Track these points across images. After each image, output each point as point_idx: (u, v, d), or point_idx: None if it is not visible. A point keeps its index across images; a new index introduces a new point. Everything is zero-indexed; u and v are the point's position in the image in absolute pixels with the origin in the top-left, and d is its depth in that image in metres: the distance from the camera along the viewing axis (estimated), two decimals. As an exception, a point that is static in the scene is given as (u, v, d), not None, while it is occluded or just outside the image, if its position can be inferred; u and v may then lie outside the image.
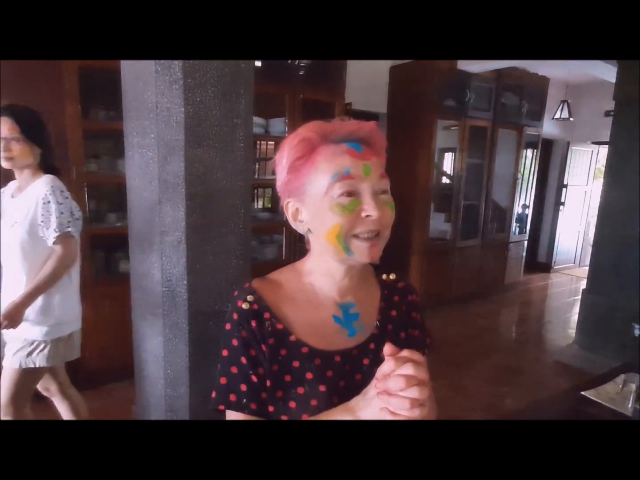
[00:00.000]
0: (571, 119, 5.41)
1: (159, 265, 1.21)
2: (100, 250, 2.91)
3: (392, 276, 0.87)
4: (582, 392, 1.50)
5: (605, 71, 4.06)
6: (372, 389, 0.61)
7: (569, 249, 6.87)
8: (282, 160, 0.72)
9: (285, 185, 0.73)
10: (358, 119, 0.73)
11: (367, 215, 0.68)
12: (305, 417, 0.69)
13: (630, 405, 1.41)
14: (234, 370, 0.72)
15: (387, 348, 0.61)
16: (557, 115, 5.43)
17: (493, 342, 3.97)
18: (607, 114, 5.80)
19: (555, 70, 5.05)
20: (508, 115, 4.88)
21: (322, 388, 0.71)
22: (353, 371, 0.74)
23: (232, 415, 0.72)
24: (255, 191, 4.11)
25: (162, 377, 1.26)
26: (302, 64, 3.49)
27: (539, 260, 6.79)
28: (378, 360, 0.74)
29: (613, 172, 3.31)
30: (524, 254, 5.66)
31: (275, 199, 3.97)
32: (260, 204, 4.17)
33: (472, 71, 4.34)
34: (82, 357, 2.78)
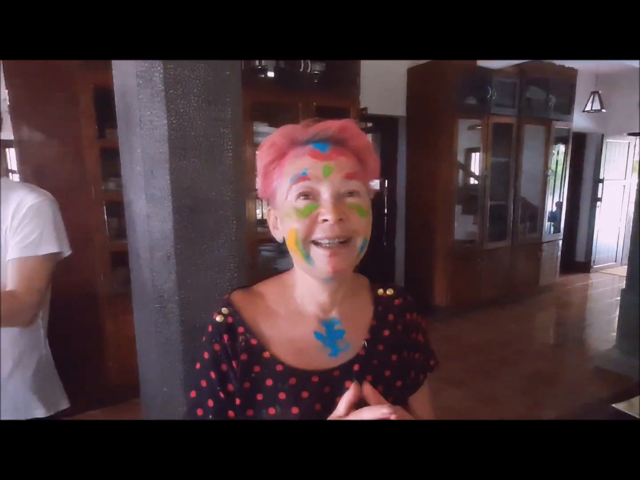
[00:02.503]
0: (603, 110, 5.14)
1: (150, 281, 1.19)
2: (121, 267, 2.95)
3: (389, 291, 0.79)
4: (613, 405, 1.37)
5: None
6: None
7: (609, 247, 6.53)
8: (258, 167, 0.70)
9: (262, 193, 0.71)
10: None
11: (324, 220, 0.62)
12: None
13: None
14: (204, 384, 0.69)
15: (370, 392, 0.61)
16: (588, 108, 5.19)
17: (526, 348, 3.77)
18: (642, 102, 5.50)
19: (583, 61, 4.82)
20: (534, 110, 4.69)
21: (294, 410, 0.66)
22: (333, 394, 0.68)
23: None
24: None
25: (159, 394, 1.24)
26: (315, 72, 3.47)
27: (577, 260, 6.47)
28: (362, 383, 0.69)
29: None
30: (559, 253, 5.39)
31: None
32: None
33: (492, 67, 4.20)
34: (106, 372, 2.85)
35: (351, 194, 0.64)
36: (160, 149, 1.11)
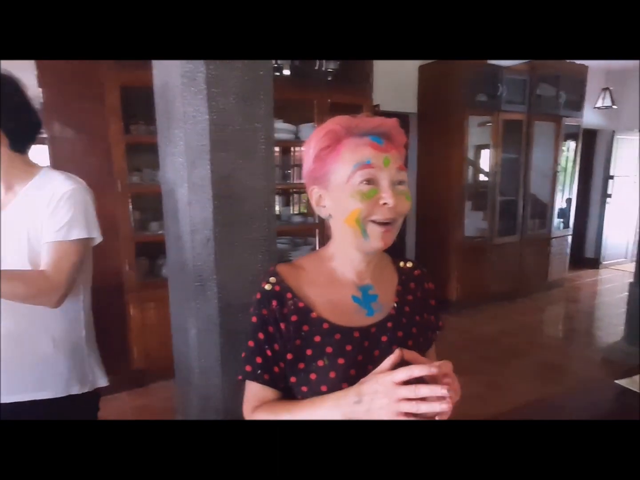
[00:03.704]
0: (614, 106, 5.19)
1: (191, 262, 1.31)
2: (144, 257, 3.08)
3: (409, 264, 0.92)
4: (616, 381, 1.46)
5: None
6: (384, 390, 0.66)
7: (618, 243, 6.55)
8: (309, 150, 0.78)
9: (310, 173, 0.80)
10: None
11: (384, 203, 0.73)
12: (324, 388, 0.74)
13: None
14: (251, 344, 0.79)
15: (414, 355, 0.69)
16: (599, 104, 5.23)
17: (535, 339, 3.86)
18: (653, 99, 5.52)
19: (594, 58, 4.86)
20: (544, 107, 4.74)
21: (340, 361, 0.76)
22: (371, 347, 0.79)
23: (250, 385, 0.79)
24: (291, 197, 4.22)
25: (197, 367, 1.36)
26: (329, 69, 3.57)
27: (587, 256, 6.51)
28: (396, 338, 0.81)
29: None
30: (568, 249, 5.45)
31: (310, 205, 4.05)
32: (296, 210, 4.26)
33: (503, 64, 4.27)
34: (130, 357, 2.99)
35: (401, 182, 0.77)
36: (202, 142, 1.23)
